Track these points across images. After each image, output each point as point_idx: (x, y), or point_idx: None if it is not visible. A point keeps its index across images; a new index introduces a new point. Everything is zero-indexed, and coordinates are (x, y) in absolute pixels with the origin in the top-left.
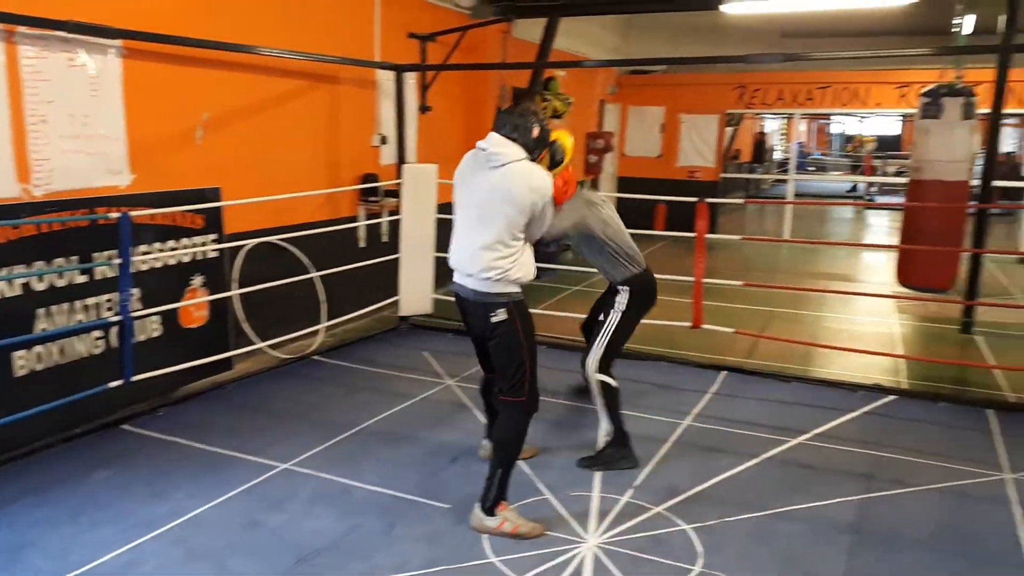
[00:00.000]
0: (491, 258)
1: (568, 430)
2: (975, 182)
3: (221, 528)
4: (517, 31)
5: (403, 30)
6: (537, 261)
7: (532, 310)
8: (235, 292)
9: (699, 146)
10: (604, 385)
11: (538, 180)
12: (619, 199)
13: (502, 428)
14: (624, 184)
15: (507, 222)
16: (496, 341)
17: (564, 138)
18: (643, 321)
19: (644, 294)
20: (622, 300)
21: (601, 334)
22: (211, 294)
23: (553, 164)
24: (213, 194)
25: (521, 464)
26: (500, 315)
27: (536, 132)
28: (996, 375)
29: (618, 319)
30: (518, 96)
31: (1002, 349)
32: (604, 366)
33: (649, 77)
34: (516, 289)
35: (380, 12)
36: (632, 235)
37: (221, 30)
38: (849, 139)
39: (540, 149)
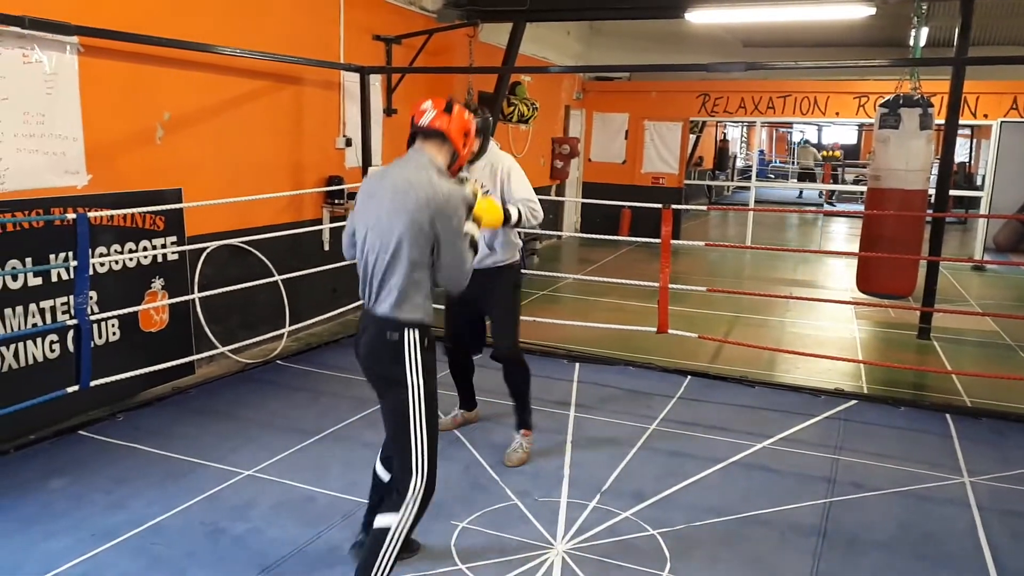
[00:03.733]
0: None
1: (536, 433)
2: (931, 191)
3: (182, 536)
4: (483, 35)
5: (368, 32)
6: None
7: None
8: (196, 295)
9: (663, 153)
10: None
11: None
12: (584, 204)
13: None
14: (589, 190)
15: None
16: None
17: None
18: (608, 325)
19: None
20: None
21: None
22: (171, 297)
23: None
24: (174, 195)
25: (488, 469)
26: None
27: None
28: (954, 380)
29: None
30: (484, 100)
31: (959, 355)
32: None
33: (613, 84)
34: None
35: (344, 14)
36: (598, 240)
37: (182, 28)
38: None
39: None
